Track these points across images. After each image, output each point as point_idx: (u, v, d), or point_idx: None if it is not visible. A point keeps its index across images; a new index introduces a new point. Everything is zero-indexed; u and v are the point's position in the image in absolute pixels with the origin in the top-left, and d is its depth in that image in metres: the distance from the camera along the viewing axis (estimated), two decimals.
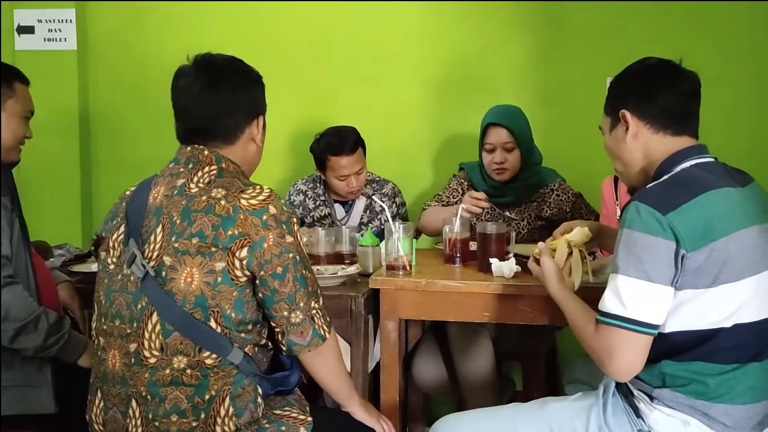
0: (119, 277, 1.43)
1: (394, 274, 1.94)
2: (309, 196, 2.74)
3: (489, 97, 2.84)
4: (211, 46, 1.64)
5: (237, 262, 1.37)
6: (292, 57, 3.02)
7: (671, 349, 1.35)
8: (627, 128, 1.48)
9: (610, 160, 2.60)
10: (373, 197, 2.64)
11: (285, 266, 1.40)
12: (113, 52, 3.11)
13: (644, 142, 1.48)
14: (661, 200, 1.33)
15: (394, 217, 2.63)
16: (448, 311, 1.90)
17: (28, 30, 3.04)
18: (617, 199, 2.02)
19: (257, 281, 1.40)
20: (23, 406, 1.66)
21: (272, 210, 1.40)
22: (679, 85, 1.47)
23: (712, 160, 1.45)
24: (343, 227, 2.25)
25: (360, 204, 2.72)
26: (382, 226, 2.69)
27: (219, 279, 1.36)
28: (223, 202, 1.39)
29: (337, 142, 2.57)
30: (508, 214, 2.40)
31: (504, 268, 1.88)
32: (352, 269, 2.05)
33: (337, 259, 2.20)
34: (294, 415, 1.49)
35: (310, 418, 1.49)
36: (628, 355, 1.34)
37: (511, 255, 1.95)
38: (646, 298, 1.31)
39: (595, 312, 1.41)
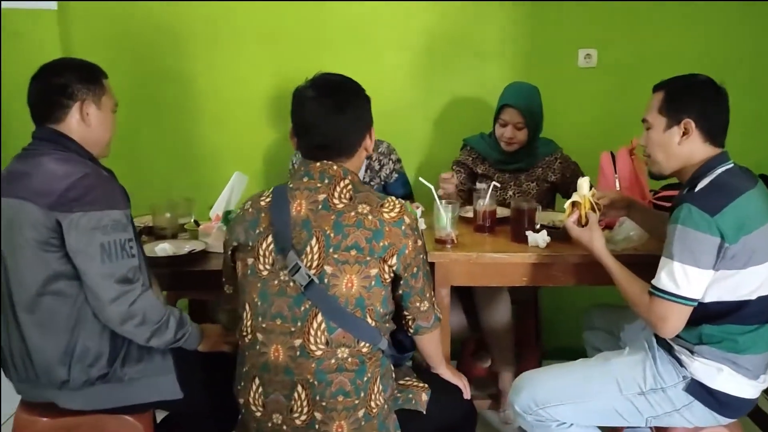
0: (275, 282, 1.61)
1: (443, 247, 2.22)
2: None
3: (475, 62, 3.13)
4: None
5: (386, 267, 1.60)
6: (283, 23, 3.09)
7: (709, 315, 1.75)
8: (684, 134, 1.79)
9: (572, 131, 2.95)
10: (377, 161, 2.86)
11: (419, 266, 1.67)
12: (94, 9, 3.00)
13: (691, 148, 1.80)
14: (708, 204, 1.69)
15: (392, 172, 2.87)
16: (492, 278, 2.24)
17: None
18: (616, 173, 2.39)
19: (401, 281, 1.65)
20: (156, 394, 1.78)
21: (407, 220, 1.64)
22: (726, 104, 1.81)
23: (733, 165, 1.82)
24: None
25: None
26: (383, 183, 2.93)
27: (373, 283, 1.59)
28: (370, 217, 1.60)
29: None
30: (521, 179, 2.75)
31: (538, 239, 2.23)
32: None
33: None
34: (415, 383, 1.79)
35: (426, 385, 1.79)
36: (677, 322, 1.73)
37: (539, 225, 2.31)
38: (693, 279, 1.69)
39: (645, 282, 1.79)
